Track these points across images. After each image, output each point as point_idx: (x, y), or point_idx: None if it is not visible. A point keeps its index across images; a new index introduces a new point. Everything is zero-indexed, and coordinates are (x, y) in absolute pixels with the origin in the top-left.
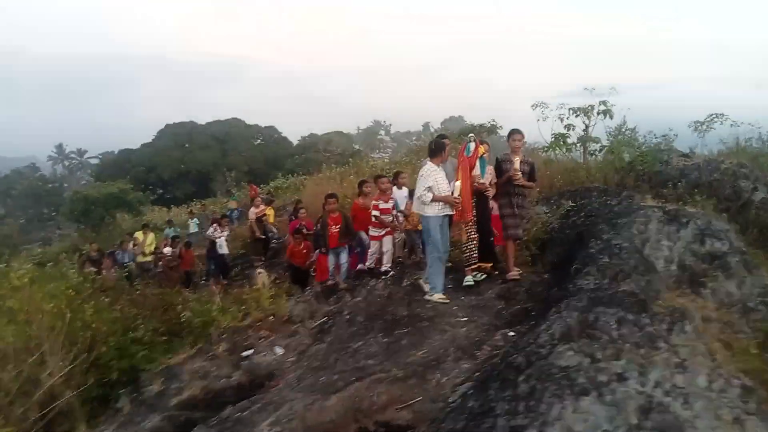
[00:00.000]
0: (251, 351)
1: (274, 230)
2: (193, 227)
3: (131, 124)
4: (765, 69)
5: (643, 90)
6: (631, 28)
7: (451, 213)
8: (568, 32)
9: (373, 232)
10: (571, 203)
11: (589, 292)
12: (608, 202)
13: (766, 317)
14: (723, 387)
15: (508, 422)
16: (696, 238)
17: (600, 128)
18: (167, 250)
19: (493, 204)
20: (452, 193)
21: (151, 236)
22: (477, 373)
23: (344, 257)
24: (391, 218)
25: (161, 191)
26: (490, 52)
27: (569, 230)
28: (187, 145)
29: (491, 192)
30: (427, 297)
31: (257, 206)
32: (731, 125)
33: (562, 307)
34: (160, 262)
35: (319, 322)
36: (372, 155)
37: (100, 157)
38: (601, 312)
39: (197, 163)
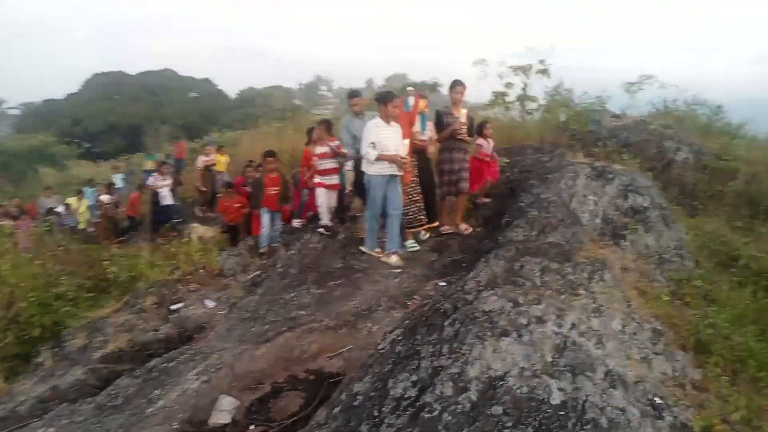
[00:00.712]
0: (180, 304)
1: (225, 179)
2: (118, 182)
3: (55, 73)
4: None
5: (583, 52)
6: None
7: (397, 173)
8: None
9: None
10: (506, 160)
11: (518, 243)
12: (541, 158)
13: (680, 267)
14: (635, 330)
15: (431, 363)
16: (620, 194)
17: (538, 88)
18: (105, 197)
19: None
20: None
21: (85, 202)
22: (407, 321)
23: (278, 222)
24: (334, 164)
25: (88, 145)
26: (435, 10)
27: (502, 185)
28: (116, 97)
29: (432, 149)
30: (382, 259)
31: (207, 154)
32: (660, 87)
33: (491, 257)
34: (97, 212)
35: (251, 276)
36: (313, 111)
37: (21, 107)
38: (527, 261)
39: (128, 116)
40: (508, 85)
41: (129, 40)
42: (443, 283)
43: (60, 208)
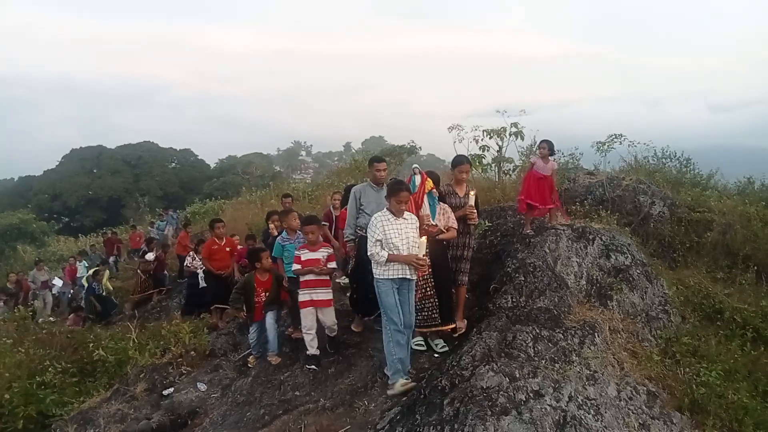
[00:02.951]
0: (172, 389)
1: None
2: (81, 270)
3: (33, 150)
4: (658, 88)
5: (551, 109)
6: (541, 49)
7: (410, 277)
8: (482, 54)
9: (301, 295)
10: (488, 223)
11: (508, 311)
12: (522, 221)
13: (667, 324)
14: (630, 395)
15: None
16: (602, 253)
17: (513, 148)
18: (150, 256)
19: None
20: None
21: (107, 273)
22: (404, 398)
23: (271, 321)
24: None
25: (67, 219)
26: (407, 74)
27: (487, 250)
28: (95, 171)
29: (450, 235)
30: (389, 391)
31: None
32: (629, 145)
33: (483, 327)
34: (139, 270)
35: (242, 355)
36: (293, 176)
37: None
38: (519, 330)
39: (107, 189)
40: (484, 148)
41: (108, 113)
42: (437, 355)
43: (56, 281)
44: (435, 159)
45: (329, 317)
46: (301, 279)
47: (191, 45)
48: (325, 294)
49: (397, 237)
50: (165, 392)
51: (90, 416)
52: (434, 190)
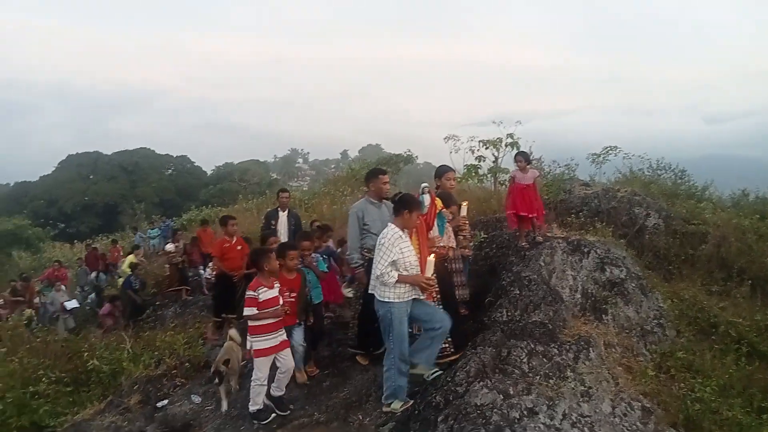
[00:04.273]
0: (166, 401)
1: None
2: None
3: (29, 155)
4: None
5: (546, 119)
6: (537, 58)
7: (420, 296)
8: (478, 63)
9: (257, 342)
10: (483, 234)
11: (503, 325)
12: (517, 233)
13: (661, 338)
14: (625, 411)
15: None
16: (597, 267)
17: (509, 158)
18: (170, 246)
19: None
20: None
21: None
22: (398, 413)
23: (299, 335)
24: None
25: (63, 225)
26: (404, 83)
27: (482, 261)
28: (91, 176)
29: (456, 256)
30: (384, 409)
31: (176, 242)
32: (624, 156)
33: (478, 341)
34: (167, 265)
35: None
36: (290, 183)
37: None
38: (513, 345)
39: (103, 195)
40: (480, 158)
41: (104, 119)
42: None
43: (73, 303)
44: (431, 168)
45: (290, 358)
46: (256, 323)
47: (189, 51)
48: (283, 334)
49: (411, 256)
50: (159, 404)
51: (84, 428)
52: (444, 210)
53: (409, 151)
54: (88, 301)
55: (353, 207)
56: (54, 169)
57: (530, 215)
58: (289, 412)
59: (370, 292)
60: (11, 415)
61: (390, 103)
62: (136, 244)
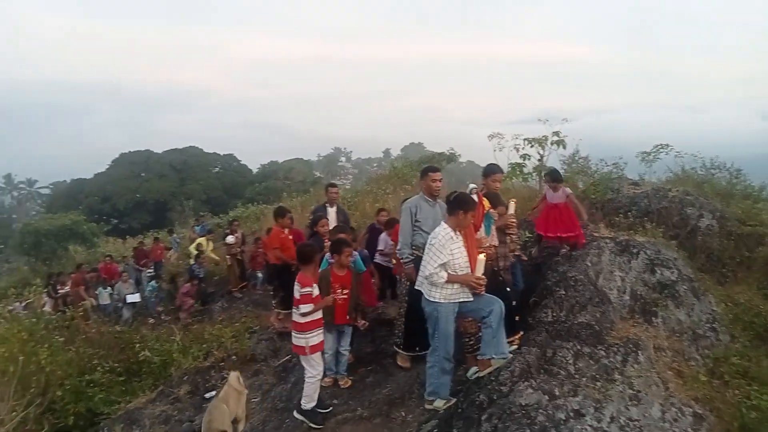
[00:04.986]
0: (214, 392)
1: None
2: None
3: (84, 153)
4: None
5: (593, 116)
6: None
7: (468, 299)
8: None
9: (314, 337)
10: (528, 233)
11: (548, 326)
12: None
13: (714, 343)
14: (676, 416)
15: None
16: (647, 268)
17: (554, 157)
18: (230, 239)
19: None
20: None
21: (211, 243)
22: (441, 411)
23: (348, 340)
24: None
25: (116, 221)
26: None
27: (527, 261)
28: (143, 174)
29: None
30: (427, 406)
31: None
32: (676, 155)
33: (522, 341)
34: (228, 257)
35: (282, 360)
36: (333, 182)
37: (51, 186)
38: (559, 346)
39: (154, 192)
40: (525, 156)
41: (154, 118)
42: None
43: (134, 297)
44: (474, 166)
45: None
46: (310, 319)
47: (235, 51)
48: (318, 337)
49: (461, 258)
50: (207, 395)
51: (136, 416)
52: (492, 210)
53: (452, 149)
54: (150, 288)
55: (407, 202)
56: (108, 166)
57: (551, 234)
58: (330, 408)
59: (416, 288)
60: (69, 401)
61: (433, 101)
62: (209, 229)
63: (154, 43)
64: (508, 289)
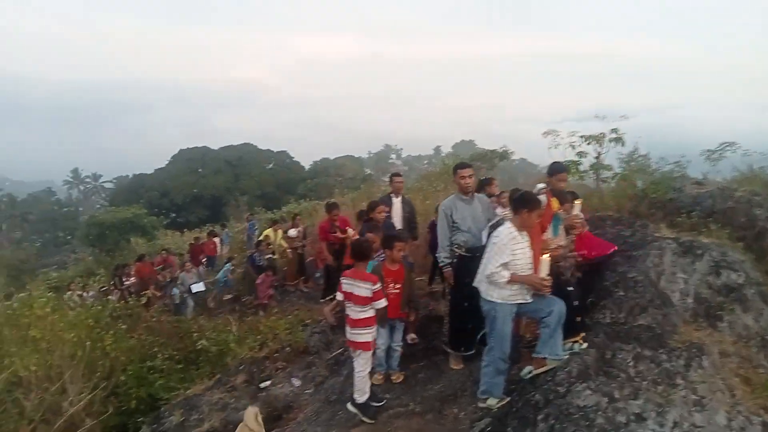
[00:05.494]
0: (269, 382)
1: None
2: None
3: (145, 149)
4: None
5: (653, 113)
6: (641, 49)
7: (526, 301)
8: (577, 56)
9: (364, 334)
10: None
11: (606, 327)
12: (622, 232)
13: None
14: (743, 425)
15: None
16: (711, 270)
17: (612, 154)
18: (293, 232)
19: None
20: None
21: (280, 233)
22: (494, 410)
23: (400, 335)
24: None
25: (174, 215)
26: (499, 77)
27: (585, 261)
28: (200, 170)
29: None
30: (480, 404)
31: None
32: (743, 154)
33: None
34: (288, 250)
35: (334, 353)
36: (384, 179)
37: (115, 181)
38: (618, 348)
39: (210, 188)
40: (581, 154)
41: (211, 116)
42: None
43: (199, 286)
44: (527, 164)
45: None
46: (372, 314)
47: (289, 50)
48: (371, 334)
49: (524, 258)
50: (262, 385)
51: (194, 402)
52: (560, 211)
53: (505, 146)
54: (225, 270)
55: (442, 204)
56: (167, 162)
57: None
58: (384, 402)
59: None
60: (132, 386)
61: (484, 98)
62: (276, 220)
63: (213, 43)
64: (570, 288)
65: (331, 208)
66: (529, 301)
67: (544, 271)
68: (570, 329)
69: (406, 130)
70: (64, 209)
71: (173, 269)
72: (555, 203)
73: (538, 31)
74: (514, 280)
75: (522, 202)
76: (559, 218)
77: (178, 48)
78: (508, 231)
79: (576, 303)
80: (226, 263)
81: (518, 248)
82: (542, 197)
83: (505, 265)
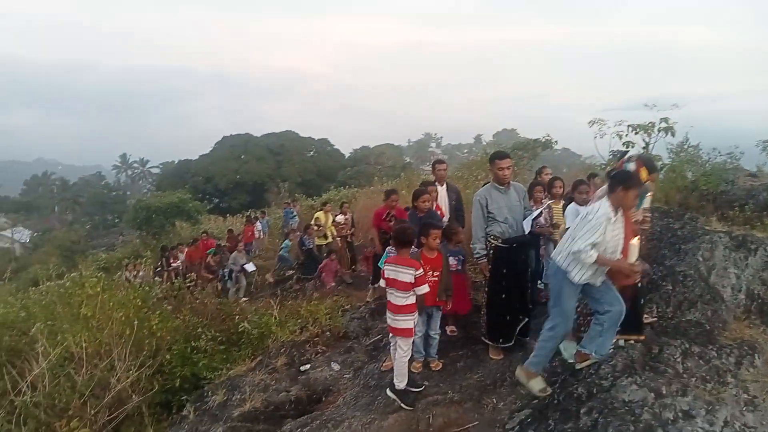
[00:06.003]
0: (309, 366)
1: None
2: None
3: (190, 136)
4: None
5: (705, 103)
6: (694, 35)
7: (596, 284)
8: (624, 44)
9: (407, 320)
10: None
11: (653, 321)
12: (670, 224)
13: None
14: None
15: None
16: (766, 266)
17: (661, 145)
18: (340, 218)
19: None
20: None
21: (330, 217)
22: (534, 401)
23: (437, 323)
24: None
25: (217, 200)
26: (545, 65)
27: None
28: (243, 157)
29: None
30: (520, 379)
31: (344, 213)
32: None
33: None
34: (337, 237)
35: (373, 339)
36: (423, 167)
37: (161, 166)
38: (666, 343)
39: (252, 174)
40: (628, 144)
41: (253, 103)
42: (571, 360)
43: (250, 266)
44: (570, 154)
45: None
46: (414, 301)
47: (331, 38)
48: (411, 321)
49: (614, 240)
50: (302, 368)
51: (237, 383)
52: (649, 182)
53: (548, 135)
54: (284, 246)
55: (477, 194)
56: (211, 149)
57: None
58: (423, 388)
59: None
60: (176, 365)
61: (528, 86)
62: (323, 201)
63: (255, 32)
64: (640, 285)
65: (389, 194)
66: (598, 285)
67: (634, 255)
68: (633, 326)
69: (447, 119)
70: (112, 193)
71: (225, 254)
72: (644, 173)
73: (584, 17)
74: (603, 262)
75: (617, 181)
76: (646, 190)
77: (225, 37)
78: (604, 209)
79: (642, 301)
80: (285, 240)
81: (611, 229)
82: (631, 164)
83: (595, 246)
